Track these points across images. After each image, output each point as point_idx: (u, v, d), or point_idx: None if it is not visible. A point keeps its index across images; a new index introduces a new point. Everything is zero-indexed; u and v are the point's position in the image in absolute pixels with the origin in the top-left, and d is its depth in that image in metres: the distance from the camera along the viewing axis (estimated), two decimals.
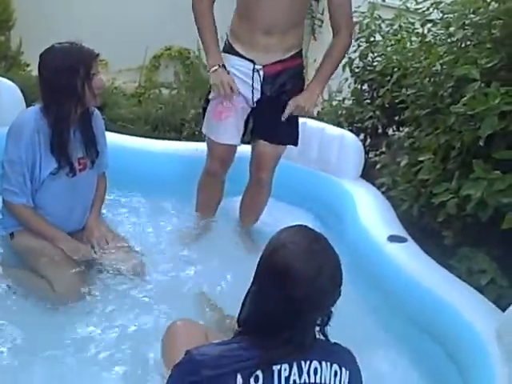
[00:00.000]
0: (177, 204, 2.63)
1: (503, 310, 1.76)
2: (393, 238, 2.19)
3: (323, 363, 1.11)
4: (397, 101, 3.08)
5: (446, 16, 2.36)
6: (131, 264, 2.04)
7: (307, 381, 1.09)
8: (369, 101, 3.62)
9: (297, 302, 1.08)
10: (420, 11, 2.69)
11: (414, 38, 3.01)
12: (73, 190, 2.04)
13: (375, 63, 3.49)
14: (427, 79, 2.54)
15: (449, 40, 2.30)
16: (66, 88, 1.87)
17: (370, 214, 2.39)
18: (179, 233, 2.46)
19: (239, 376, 1.07)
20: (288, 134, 2.39)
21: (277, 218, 2.54)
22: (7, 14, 4.42)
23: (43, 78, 1.92)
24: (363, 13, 3.54)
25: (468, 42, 2.20)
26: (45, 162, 1.94)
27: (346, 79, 3.75)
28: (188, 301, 1.53)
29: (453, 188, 2.20)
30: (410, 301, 1.95)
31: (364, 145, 3.56)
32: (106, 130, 2.24)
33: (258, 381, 1.07)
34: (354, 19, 3.48)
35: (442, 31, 2.44)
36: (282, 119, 2.32)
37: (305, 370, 1.09)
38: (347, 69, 3.60)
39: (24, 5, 4.51)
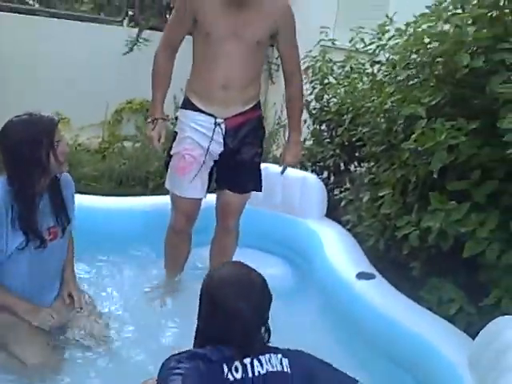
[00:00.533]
0: (144, 261, 2.62)
1: (473, 337, 1.81)
2: (361, 275, 2.24)
3: (272, 354, 1.41)
4: (354, 139, 3.22)
5: (391, 57, 2.51)
6: (97, 329, 2.01)
7: (268, 369, 1.38)
8: (328, 140, 3.74)
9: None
10: (368, 52, 2.84)
11: (365, 78, 3.15)
12: (43, 262, 1.96)
13: (330, 104, 3.63)
14: (380, 117, 2.66)
15: (396, 79, 2.42)
16: (29, 160, 1.83)
17: (337, 251, 2.45)
18: (147, 293, 2.44)
19: (225, 365, 1.33)
20: (252, 181, 2.44)
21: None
22: None
23: (5, 151, 1.86)
24: (314, 57, 3.72)
25: (413, 81, 2.32)
26: (11, 235, 1.86)
27: (305, 121, 3.89)
28: (158, 361, 1.52)
29: (413, 220, 2.28)
30: (381, 335, 1.98)
31: (328, 183, 3.69)
32: None
33: (237, 371, 1.34)
34: (307, 63, 3.70)
35: (389, 70, 2.57)
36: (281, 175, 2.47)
37: (263, 361, 1.39)
38: (304, 111, 3.74)
39: None
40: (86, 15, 5.99)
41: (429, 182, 2.28)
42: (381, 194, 2.56)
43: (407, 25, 2.39)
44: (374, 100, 2.78)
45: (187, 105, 2.36)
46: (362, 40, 3.01)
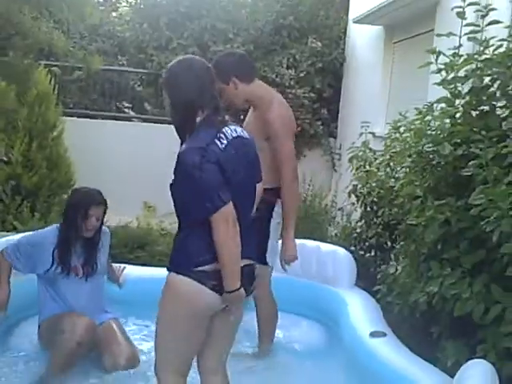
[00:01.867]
0: None
1: None
2: (374, 334, 2.64)
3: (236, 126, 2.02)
4: (390, 218, 3.68)
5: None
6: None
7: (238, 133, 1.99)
8: (375, 220, 4.21)
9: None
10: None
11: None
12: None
13: (374, 189, 4.14)
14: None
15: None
16: (70, 219, 2.81)
17: (360, 315, 2.86)
18: None
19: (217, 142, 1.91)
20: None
21: (285, 328, 3.07)
22: (68, 176, 5.49)
23: (64, 209, 2.92)
24: (358, 147, 4.30)
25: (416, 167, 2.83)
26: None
27: (353, 203, 4.40)
28: None
29: (421, 287, 2.67)
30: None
31: (375, 259, 4.11)
32: (147, 265, 3.12)
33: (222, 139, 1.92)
34: (352, 153, 4.28)
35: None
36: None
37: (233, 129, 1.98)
38: (352, 195, 4.28)
39: (82, 168, 5.58)
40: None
41: (434, 253, 2.70)
42: (398, 265, 2.99)
43: (410, 123, 2.94)
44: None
45: None
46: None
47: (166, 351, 1.99)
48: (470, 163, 2.32)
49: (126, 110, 7.64)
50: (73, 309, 2.79)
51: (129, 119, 7.36)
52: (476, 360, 2.05)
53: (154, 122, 6.93)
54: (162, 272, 3.18)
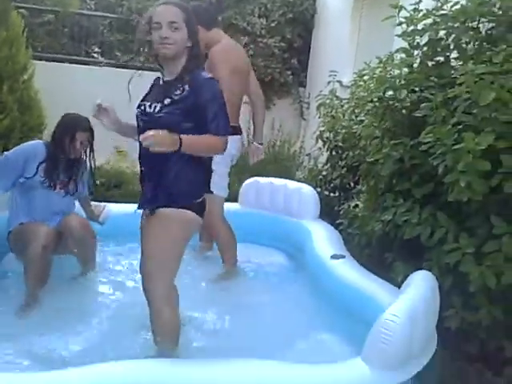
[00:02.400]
0: None
1: None
2: (334, 256, 3.05)
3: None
4: (353, 160, 4.05)
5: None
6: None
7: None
8: (340, 163, 4.58)
9: None
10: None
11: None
12: (49, 199, 3.13)
13: (339, 134, 4.49)
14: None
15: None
16: (58, 139, 3.12)
17: (322, 242, 3.26)
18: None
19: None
20: None
21: (253, 256, 3.45)
22: (40, 119, 5.61)
23: (54, 129, 3.19)
24: (325, 95, 4.61)
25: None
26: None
27: (320, 148, 4.76)
28: None
29: (378, 217, 3.07)
30: (343, 298, 2.77)
31: (339, 199, 4.51)
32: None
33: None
34: (320, 100, 4.59)
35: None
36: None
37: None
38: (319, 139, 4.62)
39: (52, 112, 5.70)
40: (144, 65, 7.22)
41: (390, 187, 3.09)
42: (359, 202, 3.38)
43: (373, 71, 3.27)
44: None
45: None
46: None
47: (163, 268, 2.31)
48: (422, 105, 2.67)
49: (95, 55, 7.68)
50: (38, 219, 3.07)
51: (98, 64, 7.42)
52: (420, 271, 2.46)
53: (124, 68, 7.04)
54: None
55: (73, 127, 3.09)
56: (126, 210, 3.50)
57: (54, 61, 6.88)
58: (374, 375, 2.01)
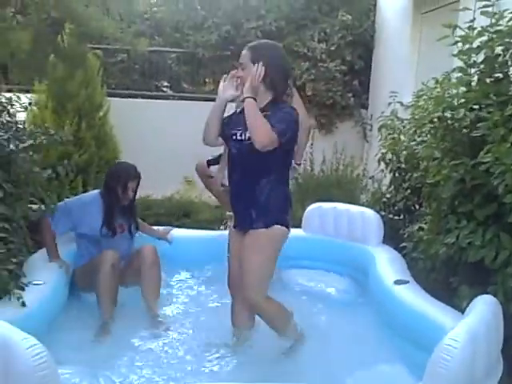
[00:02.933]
0: None
1: None
2: (398, 282, 3.01)
3: None
4: (416, 182, 3.99)
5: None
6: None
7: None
8: (403, 185, 4.52)
9: None
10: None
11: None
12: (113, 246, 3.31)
13: (401, 155, 4.44)
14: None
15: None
16: (110, 188, 3.35)
17: (386, 267, 3.24)
18: None
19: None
20: None
21: (317, 282, 3.50)
22: (115, 153, 5.96)
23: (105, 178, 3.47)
24: (387, 116, 4.59)
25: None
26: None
27: (382, 170, 4.72)
28: None
29: (441, 240, 3.01)
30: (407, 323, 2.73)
31: (405, 222, 4.44)
32: None
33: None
34: (381, 122, 4.58)
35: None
36: None
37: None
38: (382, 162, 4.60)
39: (125, 145, 6.04)
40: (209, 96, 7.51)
41: (452, 208, 3.03)
42: (423, 224, 3.33)
43: (430, 91, 3.25)
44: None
45: None
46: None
47: (264, 283, 2.69)
48: (479, 124, 2.63)
49: (165, 88, 8.06)
50: None
51: (167, 97, 7.79)
52: (483, 295, 2.40)
53: (191, 100, 7.35)
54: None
55: (125, 177, 3.33)
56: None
57: (127, 97, 7.31)
58: None
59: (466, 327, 2.07)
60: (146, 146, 6.72)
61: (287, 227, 2.71)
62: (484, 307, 2.26)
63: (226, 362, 2.69)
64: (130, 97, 7.40)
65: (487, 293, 2.63)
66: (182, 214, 4.84)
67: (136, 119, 6.84)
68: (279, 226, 2.66)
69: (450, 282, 3.13)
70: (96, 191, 3.50)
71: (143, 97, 7.50)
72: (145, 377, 2.56)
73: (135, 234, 3.51)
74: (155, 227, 3.89)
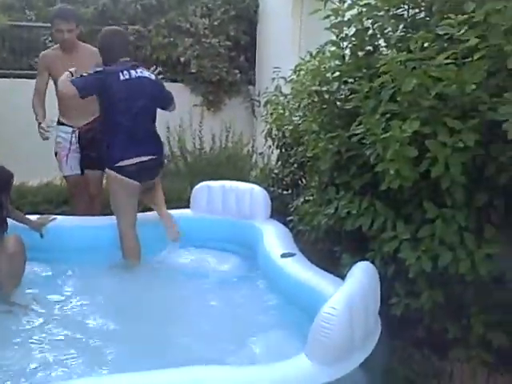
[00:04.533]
0: None
1: None
2: (285, 255, 3.08)
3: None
4: (300, 157, 4.09)
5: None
6: None
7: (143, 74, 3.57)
8: (289, 160, 4.63)
9: None
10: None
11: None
12: None
13: (285, 131, 4.53)
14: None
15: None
16: None
17: (273, 241, 3.30)
18: None
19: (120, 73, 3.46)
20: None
21: (207, 261, 3.49)
22: None
23: None
24: (271, 92, 4.64)
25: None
26: None
27: (270, 146, 4.79)
28: None
29: (322, 211, 3.12)
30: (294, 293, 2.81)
31: (292, 197, 4.55)
32: None
33: (125, 75, 3.48)
34: (266, 97, 4.63)
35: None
36: None
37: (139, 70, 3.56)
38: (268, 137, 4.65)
39: None
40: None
41: (331, 180, 3.14)
42: (306, 197, 3.43)
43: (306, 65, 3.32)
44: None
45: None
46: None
47: None
48: (351, 97, 2.73)
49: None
50: None
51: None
52: (360, 262, 2.52)
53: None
54: None
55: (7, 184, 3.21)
56: None
57: None
58: (316, 370, 2.04)
59: (344, 294, 2.16)
60: (21, 129, 6.27)
61: None
62: (360, 273, 2.37)
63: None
64: (1, 77, 6.86)
65: (366, 259, 2.78)
66: (62, 201, 4.58)
67: (8, 101, 6.36)
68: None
69: (334, 251, 3.27)
70: None
71: (15, 76, 6.99)
72: None
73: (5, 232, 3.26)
74: (32, 216, 3.66)
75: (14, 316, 2.93)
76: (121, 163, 3.46)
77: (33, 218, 3.63)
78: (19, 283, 3.17)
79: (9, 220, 3.32)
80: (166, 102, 3.77)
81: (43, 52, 4.42)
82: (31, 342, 2.68)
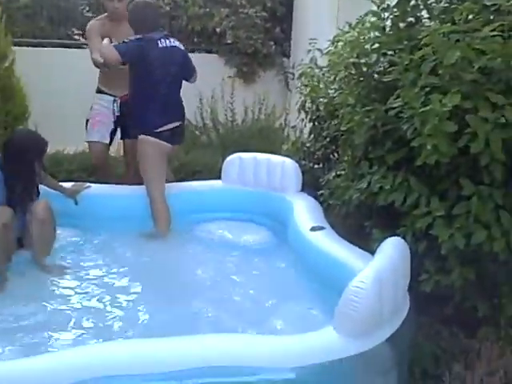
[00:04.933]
0: None
1: None
2: (314, 228, 3.07)
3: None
4: (334, 130, 4.03)
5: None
6: None
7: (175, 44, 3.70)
8: (322, 133, 4.57)
9: None
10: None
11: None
12: None
13: (319, 104, 4.46)
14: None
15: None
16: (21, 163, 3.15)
17: (303, 215, 3.28)
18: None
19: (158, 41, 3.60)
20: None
21: (236, 233, 3.50)
22: (23, 108, 5.60)
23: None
24: (306, 64, 4.57)
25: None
26: None
27: (302, 119, 4.73)
28: None
29: (354, 186, 3.08)
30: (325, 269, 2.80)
31: (324, 171, 4.51)
32: None
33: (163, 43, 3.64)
34: (301, 70, 4.55)
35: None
36: None
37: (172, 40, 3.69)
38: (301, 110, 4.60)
39: (36, 99, 5.69)
40: None
41: (365, 154, 3.09)
42: (338, 171, 3.39)
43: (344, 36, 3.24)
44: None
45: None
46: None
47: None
48: (390, 69, 2.66)
49: (76, 36, 7.60)
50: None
51: (80, 46, 7.35)
52: (391, 237, 2.49)
53: None
54: None
55: (40, 152, 3.20)
56: None
57: (35, 46, 6.83)
58: (343, 343, 2.04)
59: (373, 269, 2.14)
60: (57, 98, 6.36)
61: None
62: (391, 248, 2.34)
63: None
64: (38, 46, 6.93)
65: (397, 235, 2.74)
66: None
67: (46, 70, 6.44)
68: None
69: (364, 226, 3.24)
70: None
71: (53, 45, 7.05)
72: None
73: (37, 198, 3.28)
74: (67, 183, 3.72)
75: (47, 278, 3.02)
76: (160, 129, 3.60)
77: (67, 185, 3.69)
78: (51, 249, 3.23)
79: (42, 187, 3.38)
80: (191, 74, 3.89)
81: (91, 22, 4.42)
82: (62, 303, 2.76)
